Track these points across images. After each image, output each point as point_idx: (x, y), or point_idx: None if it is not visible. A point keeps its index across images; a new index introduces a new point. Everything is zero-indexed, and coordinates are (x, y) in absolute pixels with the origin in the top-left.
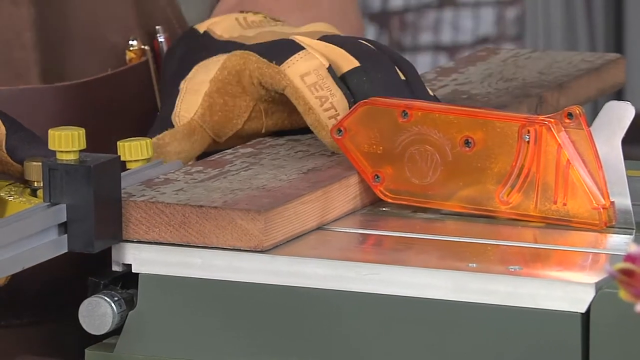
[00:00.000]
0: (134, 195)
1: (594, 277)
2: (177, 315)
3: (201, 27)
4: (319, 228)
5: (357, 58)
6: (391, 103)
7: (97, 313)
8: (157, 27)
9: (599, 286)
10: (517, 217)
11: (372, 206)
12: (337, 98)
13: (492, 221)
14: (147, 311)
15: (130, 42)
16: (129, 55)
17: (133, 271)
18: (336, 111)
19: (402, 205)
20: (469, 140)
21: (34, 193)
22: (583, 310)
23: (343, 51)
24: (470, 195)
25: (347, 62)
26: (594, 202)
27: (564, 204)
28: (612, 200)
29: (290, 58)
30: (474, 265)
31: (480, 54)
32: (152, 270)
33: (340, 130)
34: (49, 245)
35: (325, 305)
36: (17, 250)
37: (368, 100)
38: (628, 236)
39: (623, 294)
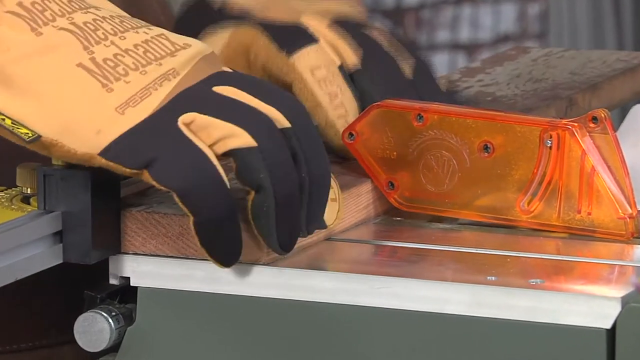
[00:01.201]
0: (131, 205)
1: (620, 291)
2: (178, 330)
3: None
4: (328, 239)
5: (359, 55)
6: (406, 106)
7: (94, 329)
8: None
9: (625, 300)
10: (538, 227)
11: (385, 215)
12: (347, 97)
13: (511, 231)
14: (147, 327)
15: None
16: None
17: (131, 284)
18: (346, 110)
19: (416, 214)
20: (488, 146)
21: (26, 200)
22: (608, 326)
23: (345, 46)
24: (489, 204)
25: (350, 58)
26: (620, 211)
27: (589, 214)
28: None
29: (302, 50)
30: (493, 278)
31: (510, 52)
32: (152, 283)
33: (352, 135)
34: (43, 255)
35: (334, 320)
36: (9, 261)
37: (382, 102)
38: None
39: None
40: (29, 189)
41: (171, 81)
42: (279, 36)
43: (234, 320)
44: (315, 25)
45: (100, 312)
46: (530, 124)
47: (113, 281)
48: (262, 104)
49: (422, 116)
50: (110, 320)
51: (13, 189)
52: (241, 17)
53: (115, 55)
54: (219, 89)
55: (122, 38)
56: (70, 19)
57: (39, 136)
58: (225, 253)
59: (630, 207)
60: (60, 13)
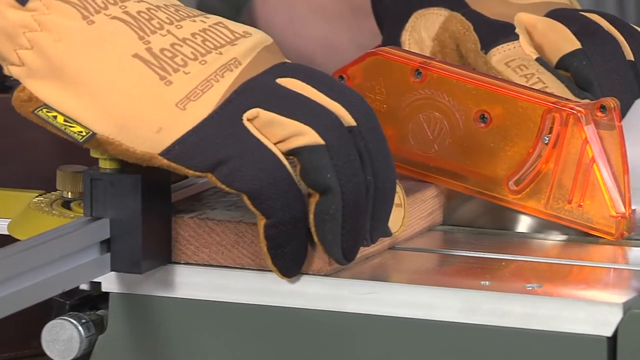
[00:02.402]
0: (182, 211)
1: (621, 297)
2: (151, 339)
3: None
4: (391, 248)
5: (580, 39)
6: (406, 57)
7: (62, 337)
8: None
9: (627, 306)
10: (523, 210)
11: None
12: (547, 77)
13: (507, 233)
14: (118, 335)
15: None
16: None
17: (103, 290)
18: (544, 84)
19: None
20: (485, 116)
21: (66, 205)
22: (609, 333)
23: (566, 30)
24: (476, 177)
25: (569, 42)
26: (613, 209)
27: (580, 205)
28: (634, 208)
29: (501, 45)
30: (487, 283)
31: None
32: (125, 289)
33: (342, 78)
34: (90, 265)
35: (317, 327)
36: (56, 271)
37: (379, 50)
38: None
39: None
40: (69, 193)
41: (233, 71)
42: (485, 34)
43: (216, 327)
44: (527, 19)
45: (70, 319)
46: (534, 101)
47: (84, 286)
48: (328, 99)
49: (421, 72)
50: (79, 327)
51: (52, 192)
52: (455, 4)
53: (172, 44)
54: (283, 81)
55: (179, 27)
56: (123, 7)
57: (94, 134)
58: (291, 261)
59: (625, 207)
60: (112, 1)
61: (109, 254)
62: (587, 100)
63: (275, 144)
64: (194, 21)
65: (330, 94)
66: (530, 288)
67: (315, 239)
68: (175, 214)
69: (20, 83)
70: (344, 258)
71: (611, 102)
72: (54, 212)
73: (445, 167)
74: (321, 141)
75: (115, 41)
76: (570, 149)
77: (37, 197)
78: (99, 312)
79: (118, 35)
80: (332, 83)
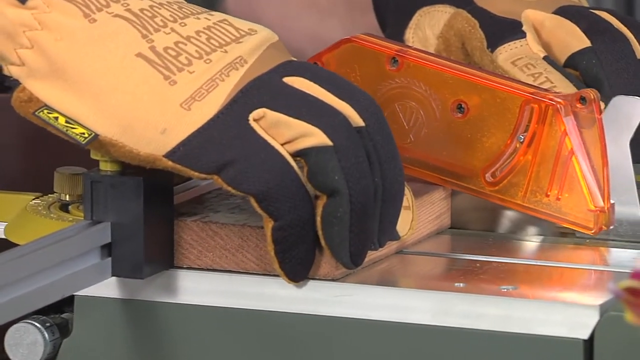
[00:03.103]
0: (184, 214)
1: (598, 299)
2: (119, 343)
3: None
4: (399, 252)
5: (590, 36)
6: (382, 45)
7: (26, 341)
8: None
9: (603, 309)
10: (500, 203)
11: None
12: (555, 76)
13: (482, 234)
14: (84, 339)
15: None
16: None
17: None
18: (552, 84)
19: None
20: (462, 106)
21: (64, 208)
22: (586, 336)
23: (575, 28)
24: (452, 168)
25: (578, 40)
26: (592, 202)
27: (557, 199)
28: (613, 202)
29: (507, 44)
30: (461, 284)
31: None
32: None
33: (316, 64)
34: (90, 271)
35: (290, 330)
36: (55, 277)
37: (354, 37)
38: (637, 251)
39: (629, 317)
40: (67, 196)
41: (239, 70)
42: (491, 31)
43: (185, 332)
44: (535, 17)
45: (33, 322)
46: (512, 91)
47: None
48: (336, 99)
49: (397, 60)
50: (44, 331)
51: (49, 195)
52: (461, 1)
53: (176, 43)
54: (290, 80)
55: (183, 25)
56: (125, 4)
57: (97, 135)
58: (299, 265)
59: (603, 200)
60: None
61: (109, 258)
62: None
63: (282, 144)
64: (198, 18)
65: (338, 93)
66: (506, 290)
67: (323, 242)
68: (178, 217)
69: (20, 83)
70: (351, 262)
71: (591, 93)
72: (52, 215)
73: (421, 158)
74: (329, 142)
75: (118, 40)
76: (549, 141)
77: (33, 199)
78: (64, 315)
79: (121, 34)
80: (340, 82)
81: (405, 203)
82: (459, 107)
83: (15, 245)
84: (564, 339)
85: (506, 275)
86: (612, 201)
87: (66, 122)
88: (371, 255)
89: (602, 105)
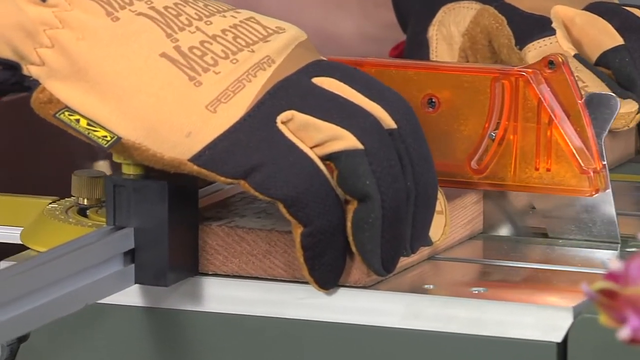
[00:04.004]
0: (209, 219)
1: (571, 300)
2: (142, 353)
3: None
4: (431, 258)
5: (622, 34)
6: (341, 60)
7: None
8: None
9: (577, 311)
10: (493, 188)
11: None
12: (586, 75)
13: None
14: (106, 349)
15: None
16: None
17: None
18: (584, 83)
19: None
20: (433, 100)
21: (82, 212)
22: (559, 339)
23: (607, 25)
24: (436, 165)
25: (610, 38)
26: (583, 165)
27: (548, 169)
28: (604, 163)
29: (537, 41)
30: (431, 286)
31: None
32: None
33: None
34: (113, 278)
35: (255, 334)
36: (77, 285)
37: None
38: (612, 251)
39: (603, 319)
40: (85, 200)
41: (266, 70)
42: (519, 28)
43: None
44: (565, 13)
45: None
46: (478, 72)
47: None
48: (366, 100)
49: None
50: None
51: (66, 199)
52: None
53: (202, 42)
54: (319, 81)
55: (208, 23)
56: (148, 2)
57: (119, 138)
58: (329, 272)
59: (594, 160)
60: None
61: (132, 265)
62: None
63: (311, 148)
64: (224, 17)
65: (369, 94)
66: (477, 292)
67: (354, 248)
68: (202, 222)
69: (39, 83)
70: (383, 269)
71: (559, 57)
72: (70, 220)
73: None
74: (360, 145)
75: (142, 39)
76: (527, 113)
77: (50, 203)
78: None
79: (144, 33)
80: (371, 82)
81: (438, 207)
82: (430, 102)
83: (25, 249)
84: (536, 342)
85: (475, 275)
86: (603, 162)
87: (88, 124)
88: (403, 261)
89: (637, 105)
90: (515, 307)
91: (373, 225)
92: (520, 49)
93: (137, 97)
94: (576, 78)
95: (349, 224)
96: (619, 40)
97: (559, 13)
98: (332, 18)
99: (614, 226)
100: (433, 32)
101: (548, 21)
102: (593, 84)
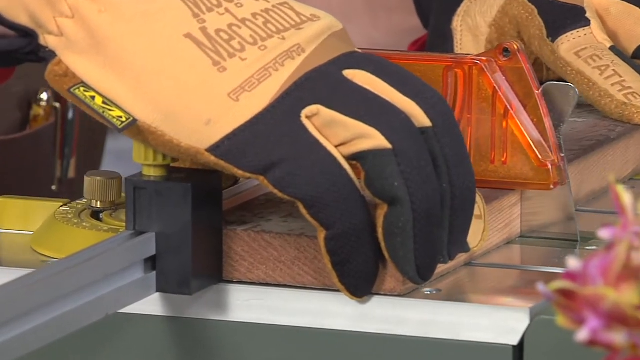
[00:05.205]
0: (233, 223)
1: (528, 301)
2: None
3: None
4: (468, 264)
5: None
6: None
7: None
8: None
9: (534, 312)
10: None
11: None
12: (623, 68)
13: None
14: (60, 356)
15: (39, 96)
16: (36, 111)
17: None
18: (621, 77)
19: None
20: None
21: (95, 215)
22: (515, 342)
23: None
24: None
25: None
26: (540, 156)
27: (503, 162)
28: (563, 155)
29: (570, 32)
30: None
31: None
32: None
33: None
34: (133, 286)
35: (194, 336)
36: (97, 294)
37: None
38: (570, 249)
39: (561, 320)
40: (98, 203)
41: (295, 60)
42: (551, 19)
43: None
44: (600, 3)
45: None
46: (431, 61)
47: None
48: (400, 95)
49: None
50: None
51: (77, 202)
52: None
53: (230, 25)
54: (351, 74)
55: (239, 5)
56: None
57: (135, 120)
58: (360, 278)
59: (552, 152)
60: None
61: (154, 272)
62: None
63: (336, 146)
64: None
65: (404, 89)
66: (429, 292)
67: (386, 255)
68: (226, 227)
69: (55, 55)
70: (419, 276)
71: (514, 44)
72: (84, 224)
73: None
74: (388, 145)
75: (167, 18)
76: (481, 103)
77: (61, 206)
78: None
79: (170, 11)
80: (407, 77)
81: (476, 211)
82: None
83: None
84: (492, 345)
85: None
86: (562, 155)
87: (103, 102)
88: (438, 268)
89: None
90: (469, 308)
91: (404, 230)
92: (553, 41)
93: (156, 79)
94: (612, 72)
95: (380, 230)
96: None
97: (593, 2)
98: None
99: (573, 223)
100: (458, 23)
101: (582, 11)
102: (631, 78)
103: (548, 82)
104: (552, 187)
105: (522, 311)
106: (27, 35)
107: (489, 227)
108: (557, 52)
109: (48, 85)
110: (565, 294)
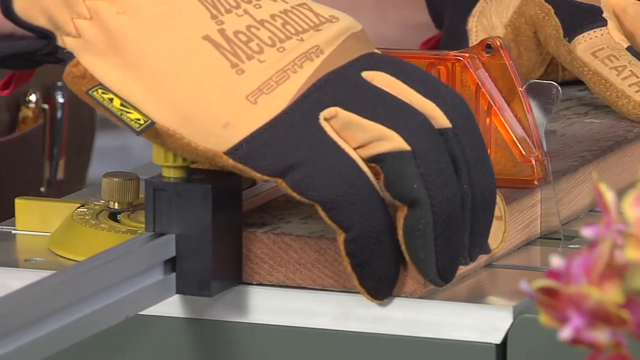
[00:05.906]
0: (253, 225)
1: (511, 300)
2: None
3: None
4: (488, 265)
5: None
6: None
7: None
8: (58, 82)
9: (517, 311)
10: None
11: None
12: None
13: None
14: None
15: (28, 98)
16: (24, 112)
17: None
18: (638, 78)
19: None
20: None
21: (113, 217)
22: (498, 340)
23: None
24: None
25: None
26: (524, 152)
27: None
28: (547, 151)
29: (587, 32)
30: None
31: None
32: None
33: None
34: (153, 288)
35: (167, 335)
36: (117, 296)
37: None
38: (552, 248)
39: (544, 319)
40: (116, 204)
41: (313, 61)
42: (568, 19)
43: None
44: (617, 2)
45: None
46: (414, 58)
47: None
48: (419, 96)
49: None
50: None
51: (95, 203)
52: None
53: (248, 27)
54: (369, 75)
55: (257, 7)
56: None
57: (153, 123)
58: (380, 280)
59: (536, 148)
60: None
61: (174, 274)
62: None
63: (355, 148)
64: (275, 0)
65: (423, 90)
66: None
67: (407, 257)
68: (246, 229)
69: (73, 56)
70: (440, 278)
71: (496, 40)
72: (102, 225)
73: None
74: (407, 147)
75: (185, 19)
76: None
77: (79, 207)
78: None
79: (188, 12)
80: (426, 78)
81: (497, 212)
82: None
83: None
84: (474, 344)
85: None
86: (545, 151)
87: (121, 105)
88: (459, 270)
89: None
90: (452, 307)
91: (425, 232)
92: (569, 41)
93: (174, 81)
94: (630, 73)
95: (400, 232)
96: None
97: (610, 2)
98: None
99: (556, 220)
100: (473, 23)
101: (598, 11)
102: (637, 67)
103: (531, 80)
104: (536, 182)
105: (505, 310)
106: (45, 36)
107: (509, 228)
108: (573, 52)
109: (36, 86)
110: (549, 292)
